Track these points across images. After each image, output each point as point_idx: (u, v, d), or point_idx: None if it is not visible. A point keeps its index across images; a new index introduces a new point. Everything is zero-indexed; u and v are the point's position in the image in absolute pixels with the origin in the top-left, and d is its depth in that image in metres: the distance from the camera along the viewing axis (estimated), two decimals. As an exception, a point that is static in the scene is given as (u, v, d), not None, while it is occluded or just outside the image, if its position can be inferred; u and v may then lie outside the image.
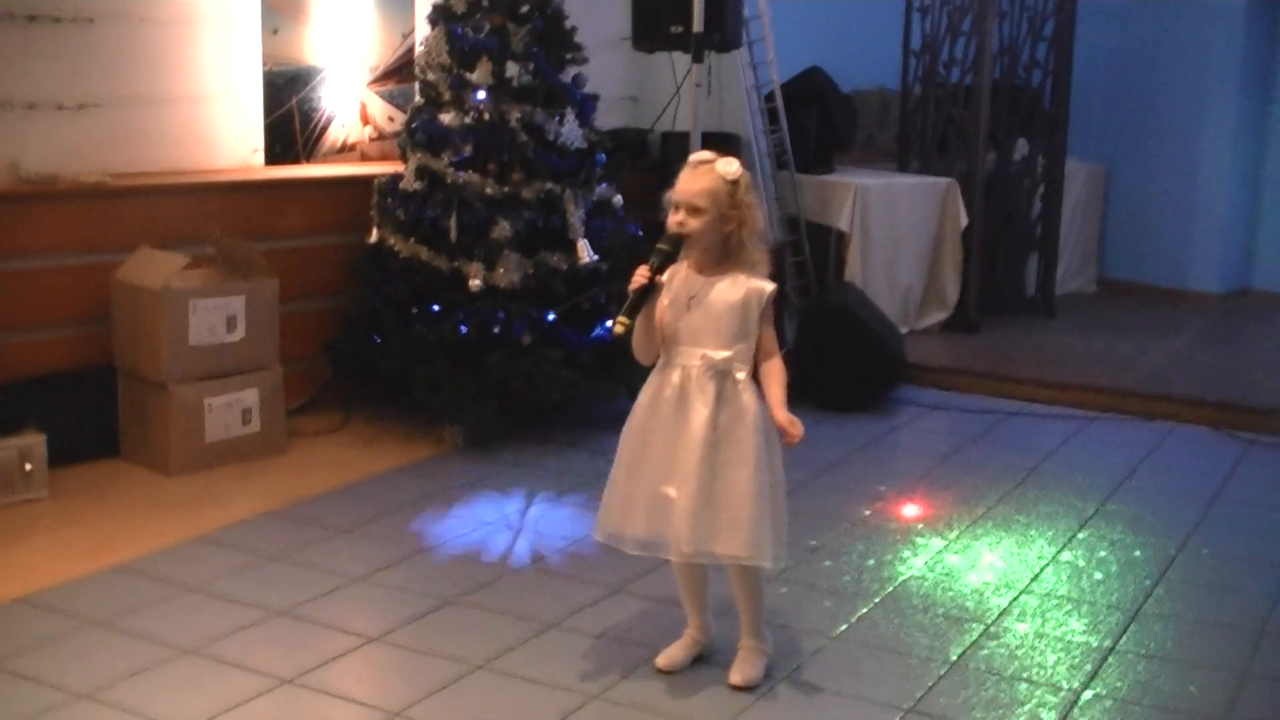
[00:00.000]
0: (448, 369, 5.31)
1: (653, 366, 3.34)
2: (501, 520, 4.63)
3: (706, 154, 3.25)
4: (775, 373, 3.25)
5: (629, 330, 3.16)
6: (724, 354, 3.23)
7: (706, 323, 3.23)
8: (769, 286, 3.24)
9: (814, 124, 7.29)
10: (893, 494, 5.04)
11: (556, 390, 5.36)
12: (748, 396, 3.23)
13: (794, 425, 3.17)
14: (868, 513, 4.81)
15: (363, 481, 4.97)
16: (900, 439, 5.94)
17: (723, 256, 3.23)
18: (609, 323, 3.21)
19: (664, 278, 3.22)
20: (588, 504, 4.77)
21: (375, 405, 5.74)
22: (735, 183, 3.18)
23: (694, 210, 3.17)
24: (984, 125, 7.70)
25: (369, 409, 5.75)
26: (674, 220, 3.19)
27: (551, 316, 5.44)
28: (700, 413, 3.21)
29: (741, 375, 3.23)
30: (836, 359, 6.20)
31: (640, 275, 3.18)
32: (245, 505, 4.64)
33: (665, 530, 3.26)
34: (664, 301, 3.25)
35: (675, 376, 3.27)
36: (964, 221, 7.65)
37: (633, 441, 3.33)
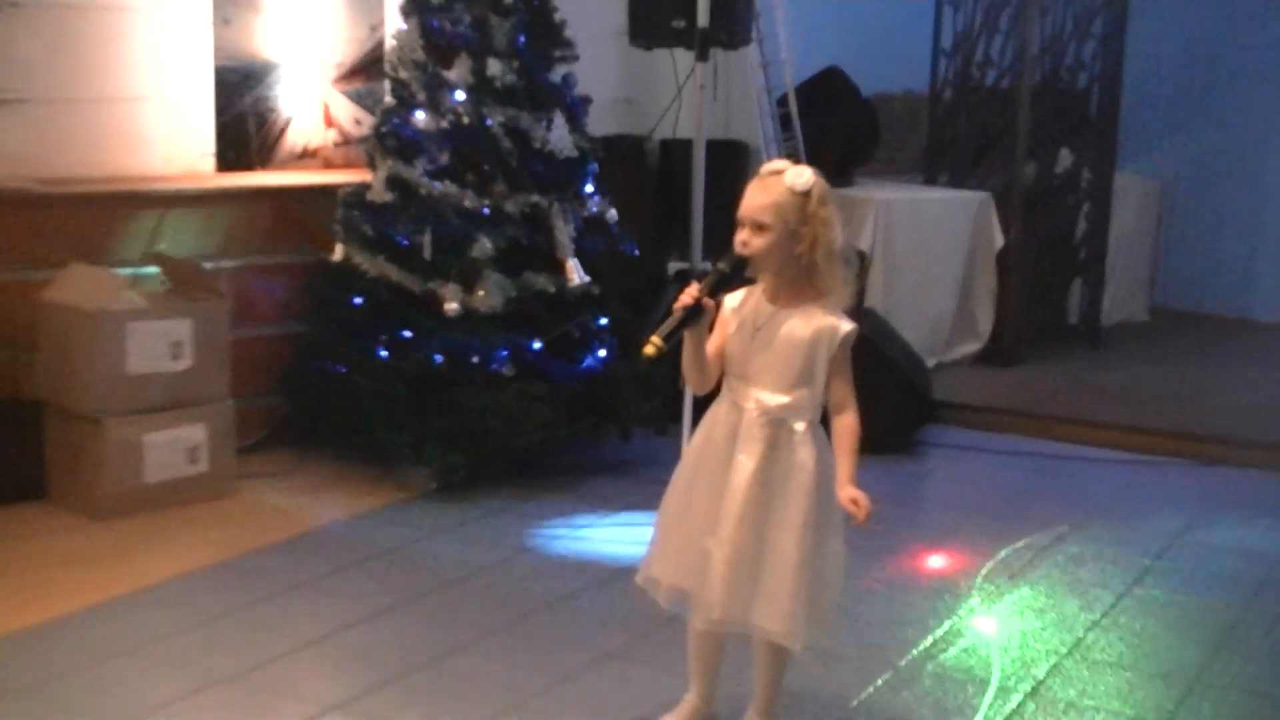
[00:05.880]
0: (415, 404, 5.25)
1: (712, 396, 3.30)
2: (474, 574, 4.58)
3: (779, 163, 3.23)
4: (845, 436, 3.18)
5: (661, 355, 3.09)
6: (780, 400, 3.18)
7: (768, 360, 3.20)
8: (845, 326, 3.17)
9: (832, 131, 7.24)
10: (918, 549, 5.00)
11: (538, 431, 5.33)
12: (805, 452, 3.18)
13: (857, 505, 3.10)
14: (887, 570, 4.77)
15: (320, 530, 4.93)
16: (926, 487, 5.89)
17: (796, 281, 3.19)
18: (648, 345, 3.10)
19: (713, 302, 3.19)
20: (569, 556, 4.77)
21: (335, 444, 5.65)
22: (806, 194, 3.13)
23: (759, 227, 3.13)
24: (1024, 134, 7.66)
25: (329, 448, 5.67)
26: (739, 239, 3.16)
27: (538, 345, 5.42)
28: (744, 466, 3.20)
29: (800, 426, 3.19)
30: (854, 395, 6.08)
31: (688, 295, 3.14)
32: (187, 556, 4.59)
33: (700, 588, 3.25)
34: (731, 327, 3.24)
35: (731, 415, 3.25)
36: (1000, 242, 7.64)
37: (680, 485, 3.33)
